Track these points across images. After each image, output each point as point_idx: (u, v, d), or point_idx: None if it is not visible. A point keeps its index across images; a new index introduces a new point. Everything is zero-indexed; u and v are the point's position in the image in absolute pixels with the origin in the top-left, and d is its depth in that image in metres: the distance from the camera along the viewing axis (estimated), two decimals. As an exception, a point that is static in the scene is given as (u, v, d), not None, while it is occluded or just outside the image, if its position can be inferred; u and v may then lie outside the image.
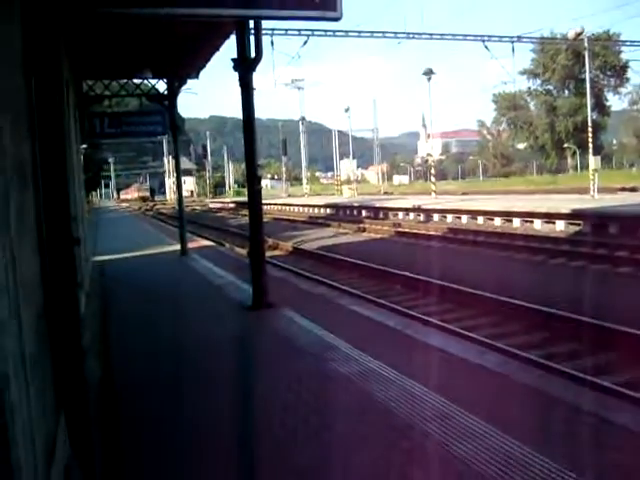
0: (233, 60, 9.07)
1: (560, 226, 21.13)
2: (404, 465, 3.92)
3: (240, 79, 9.05)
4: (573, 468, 3.69)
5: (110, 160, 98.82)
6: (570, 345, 8.11)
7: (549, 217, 21.87)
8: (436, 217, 28.81)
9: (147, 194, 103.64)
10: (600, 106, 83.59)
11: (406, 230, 24.73)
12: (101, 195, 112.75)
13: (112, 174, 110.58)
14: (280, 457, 4.19)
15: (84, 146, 23.67)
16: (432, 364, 5.98)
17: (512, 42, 35.06)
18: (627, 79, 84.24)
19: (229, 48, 10.71)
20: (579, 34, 33.99)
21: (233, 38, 9.43)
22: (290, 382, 5.66)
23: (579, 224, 20.49)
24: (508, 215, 24.08)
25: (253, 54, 8.94)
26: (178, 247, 17.13)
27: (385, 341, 6.94)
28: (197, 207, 67.58)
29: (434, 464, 3.93)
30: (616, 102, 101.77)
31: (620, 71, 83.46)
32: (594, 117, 46.09)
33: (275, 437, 4.52)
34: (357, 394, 5.23)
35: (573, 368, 6.92)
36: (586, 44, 35.42)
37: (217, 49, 13.37)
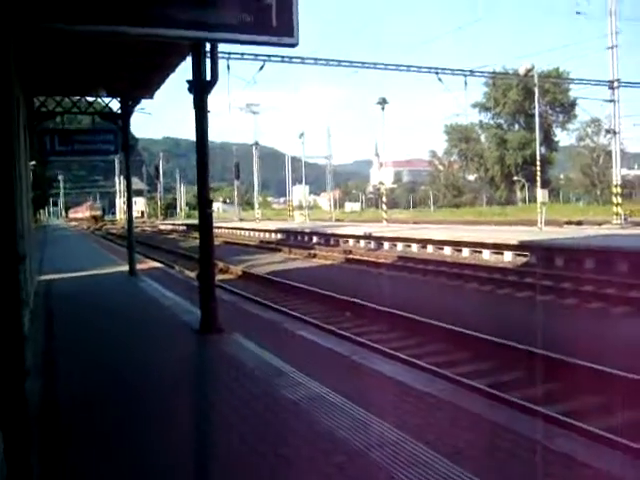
0: (188, 82, 9.05)
1: (508, 257, 21.49)
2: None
3: (195, 101, 9.01)
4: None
5: (60, 178, 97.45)
6: (516, 374, 8.22)
7: (497, 248, 22.22)
8: (387, 245, 29.02)
9: (99, 213, 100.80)
10: (548, 141, 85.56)
11: (357, 257, 24.86)
12: (49, 213, 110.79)
13: (61, 192, 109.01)
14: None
15: (33, 163, 23.29)
16: (380, 391, 5.99)
17: (465, 75, 35.76)
18: (575, 116, 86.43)
19: (185, 70, 10.71)
20: (529, 70, 34.88)
21: (189, 60, 9.42)
22: (237, 406, 5.61)
23: (526, 255, 20.85)
24: (458, 245, 24.39)
25: (209, 77, 8.93)
26: (126, 268, 16.90)
27: (333, 367, 6.92)
28: (147, 228, 66.96)
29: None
30: (564, 138, 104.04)
31: (568, 108, 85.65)
32: (542, 152, 47.16)
33: (222, 459, 4.46)
34: (304, 419, 5.19)
35: (518, 397, 6.99)
36: (536, 80, 36.31)
37: (173, 70, 13.34)
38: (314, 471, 4.19)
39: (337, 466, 4.26)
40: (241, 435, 4.92)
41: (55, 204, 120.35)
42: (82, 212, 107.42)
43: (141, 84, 14.82)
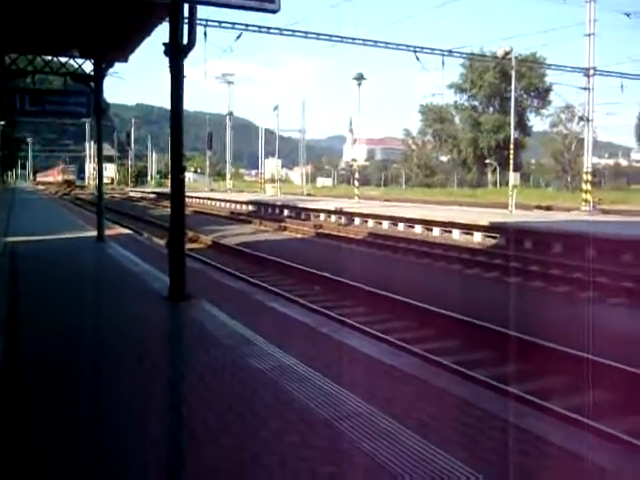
0: (165, 45, 8.88)
1: (478, 238, 21.63)
2: (314, 459, 3.88)
3: (171, 65, 8.84)
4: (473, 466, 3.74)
5: (28, 140, 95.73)
6: (480, 353, 8.30)
7: (468, 228, 22.35)
8: (358, 221, 29.05)
9: (72, 177, 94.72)
10: (522, 126, 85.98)
11: (327, 232, 24.86)
12: (17, 175, 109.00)
13: (30, 154, 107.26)
14: (194, 449, 4.10)
15: (1, 123, 22.84)
16: (347, 363, 5.99)
17: (443, 55, 35.67)
18: (549, 102, 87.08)
19: (161, 35, 10.53)
20: (507, 53, 34.85)
21: (166, 25, 9.25)
22: (204, 373, 5.57)
23: (496, 237, 21.00)
24: (428, 224, 24.49)
25: (186, 41, 8.77)
26: (94, 233, 16.71)
27: (301, 338, 6.91)
28: (117, 195, 66.28)
29: (344, 460, 3.91)
30: (537, 123, 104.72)
31: (544, 93, 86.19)
32: (516, 136, 47.37)
33: (188, 427, 4.44)
34: (271, 389, 5.17)
35: (482, 374, 7.06)
36: (513, 63, 36.36)
37: (149, 34, 13.13)
38: (279, 441, 4.18)
39: (301, 435, 4.25)
40: (207, 403, 4.88)
41: (23, 167, 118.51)
42: (53, 176, 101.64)
43: (116, 46, 14.56)
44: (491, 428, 4.40)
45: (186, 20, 8.88)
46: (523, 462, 3.90)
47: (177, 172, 9.08)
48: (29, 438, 4.29)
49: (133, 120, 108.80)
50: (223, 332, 7.05)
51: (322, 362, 5.88)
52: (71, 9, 11.27)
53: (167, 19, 9.26)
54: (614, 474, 3.83)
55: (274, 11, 6.53)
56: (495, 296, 12.39)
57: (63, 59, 16.41)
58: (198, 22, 11.09)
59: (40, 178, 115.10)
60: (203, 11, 27.56)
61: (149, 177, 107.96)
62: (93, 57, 15.80)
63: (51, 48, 15.49)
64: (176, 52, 8.75)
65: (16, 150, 69.12)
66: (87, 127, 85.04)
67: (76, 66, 16.47)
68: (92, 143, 74.92)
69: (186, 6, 8.70)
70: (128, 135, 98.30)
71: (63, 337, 6.98)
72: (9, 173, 77.55)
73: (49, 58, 16.61)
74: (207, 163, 79.65)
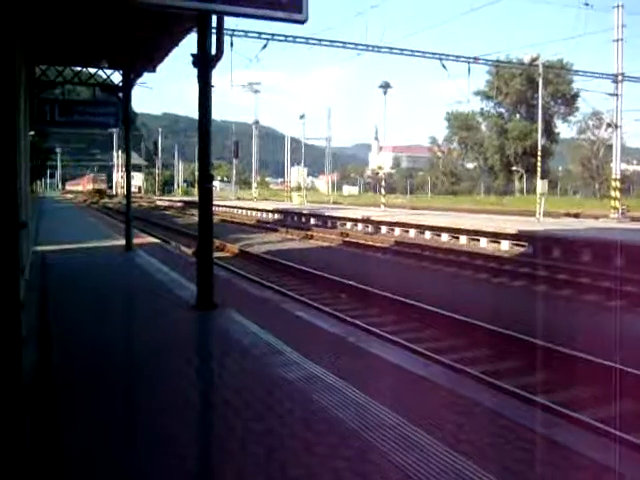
0: (193, 56, 8.95)
1: (505, 246, 21.48)
2: (344, 470, 3.87)
3: (199, 76, 8.92)
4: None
5: (57, 150, 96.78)
6: (511, 362, 8.24)
7: (495, 236, 22.21)
8: (384, 229, 29.00)
9: (104, 186, 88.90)
10: (549, 132, 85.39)
11: (354, 240, 24.83)
12: (46, 185, 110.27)
13: (59, 164, 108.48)
14: (224, 459, 4.11)
15: (31, 133, 23.10)
16: (375, 373, 5.97)
17: (468, 62, 35.56)
18: (577, 108, 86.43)
19: (188, 45, 10.60)
20: (535, 59, 34.69)
21: (193, 35, 9.32)
22: (233, 383, 5.59)
23: (524, 245, 20.85)
24: (455, 232, 24.38)
25: (214, 51, 8.84)
26: (123, 242, 16.85)
27: (329, 348, 6.89)
28: (144, 203, 66.71)
29: (374, 472, 3.90)
30: (564, 130, 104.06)
31: (570, 100, 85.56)
32: (543, 143, 47.00)
33: (217, 436, 4.45)
34: (300, 399, 5.17)
35: (513, 384, 7.01)
36: (540, 70, 36.14)
37: (176, 44, 13.22)
38: (308, 452, 4.17)
39: (331, 446, 4.24)
40: (236, 412, 4.89)
41: (52, 176, 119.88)
42: (82, 185, 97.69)
43: (144, 57, 14.70)
44: (519, 439, 4.37)
45: (214, 30, 8.95)
46: (549, 472, 3.87)
47: (205, 181, 9.13)
48: (64, 448, 4.33)
49: (160, 129, 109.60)
50: (251, 341, 7.06)
51: (349, 371, 5.87)
52: (100, 21, 11.40)
53: (195, 30, 9.34)
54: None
55: (302, 22, 6.55)
56: (523, 305, 12.29)
57: (92, 70, 16.62)
58: (224, 32, 11.18)
59: (69, 187, 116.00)
60: (229, 21, 27.71)
61: (176, 185, 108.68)
62: (122, 68, 15.97)
63: (80, 59, 15.69)
64: (204, 63, 8.82)
65: (45, 160, 69.90)
66: (115, 137, 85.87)
67: (104, 77, 16.67)
68: (120, 152, 75.61)
69: (214, 17, 8.78)
70: (155, 144, 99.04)
71: (93, 348, 7.02)
72: (38, 182, 78.40)
73: (78, 69, 16.83)
74: (233, 172, 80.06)
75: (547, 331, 8.93)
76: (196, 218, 9.46)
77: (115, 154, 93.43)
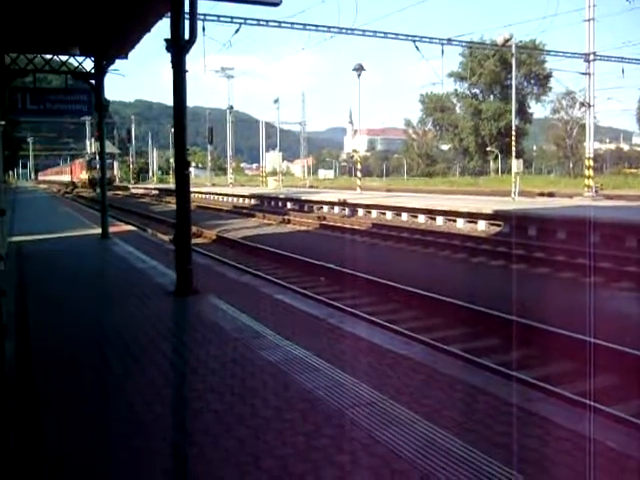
0: (166, 40, 8.90)
1: (482, 226, 21.62)
2: (330, 447, 3.92)
3: (173, 61, 8.88)
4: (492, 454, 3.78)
5: (29, 140, 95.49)
6: (489, 340, 8.34)
7: (471, 217, 22.34)
8: (361, 212, 29.05)
9: (95, 175, 61.31)
10: (523, 112, 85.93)
11: (331, 223, 24.88)
12: (18, 175, 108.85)
13: (30, 154, 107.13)
14: (209, 441, 4.13)
15: (2, 123, 22.79)
16: (357, 353, 6.02)
17: (442, 44, 35.52)
18: (550, 88, 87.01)
19: (160, 30, 10.53)
20: (507, 40, 34.75)
21: (165, 20, 9.25)
22: (215, 367, 5.61)
23: (500, 225, 21.00)
24: (431, 213, 24.48)
25: (187, 36, 8.79)
26: (99, 230, 16.75)
27: (310, 330, 6.93)
28: (119, 192, 66.14)
29: (358, 448, 3.94)
30: (538, 110, 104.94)
31: (543, 80, 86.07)
32: (517, 123, 47.25)
33: (201, 420, 4.46)
34: (282, 380, 5.20)
35: (491, 361, 7.11)
36: (514, 50, 36.25)
37: (148, 30, 13.11)
38: (293, 431, 4.21)
39: (315, 425, 4.28)
40: (220, 395, 4.91)
41: (24, 166, 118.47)
42: (72, 172, 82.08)
43: (117, 43, 14.56)
44: (501, 413, 4.44)
45: (187, 15, 8.90)
46: (532, 443, 3.95)
47: (182, 167, 9.10)
48: (43, 438, 4.33)
49: (133, 117, 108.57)
50: (232, 325, 7.08)
51: (331, 352, 5.92)
52: (72, 7, 11.27)
53: (167, 15, 9.27)
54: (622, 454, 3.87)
55: (276, 4, 6.54)
56: (500, 283, 12.41)
57: (63, 57, 16.40)
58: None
59: (44, 177, 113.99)
60: (201, 5, 27.46)
61: (150, 173, 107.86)
62: (93, 54, 15.79)
63: (51, 46, 15.47)
64: (178, 47, 8.77)
65: (17, 149, 68.98)
66: (87, 125, 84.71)
67: (76, 64, 16.46)
68: (92, 141, 74.52)
69: (187, 1, 8.72)
70: (129, 132, 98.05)
71: (72, 335, 7.01)
72: (10, 173, 77.28)
73: (49, 57, 16.59)
74: (208, 158, 79.56)
75: (525, 308, 9.04)
76: (172, 206, 9.43)
77: (88, 142, 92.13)
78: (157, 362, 5.89)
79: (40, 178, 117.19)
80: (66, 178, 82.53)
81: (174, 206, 9.54)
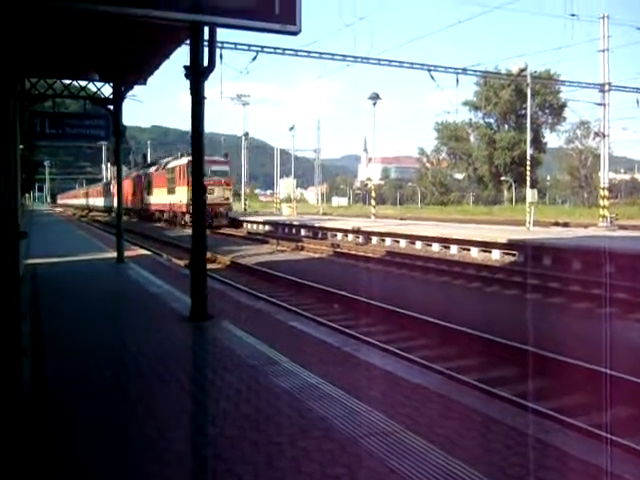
0: (185, 67, 9.00)
1: (496, 255, 21.55)
2: (344, 477, 3.90)
3: (191, 88, 8.96)
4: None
5: (46, 163, 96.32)
6: (504, 370, 8.28)
7: (485, 246, 22.27)
8: (375, 240, 29.02)
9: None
10: (537, 142, 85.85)
11: (345, 251, 24.85)
12: (34, 198, 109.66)
13: (47, 177, 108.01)
14: (223, 467, 4.12)
15: (21, 146, 23.04)
16: (371, 381, 5.99)
17: (457, 73, 35.67)
18: (564, 118, 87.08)
19: (178, 57, 10.64)
20: (522, 70, 34.88)
21: (184, 47, 9.35)
22: (230, 394, 5.59)
23: (514, 254, 20.92)
24: (446, 241, 24.42)
25: (206, 63, 8.88)
26: (114, 254, 16.82)
27: (324, 357, 6.91)
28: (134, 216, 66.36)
29: (372, 477, 3.92)
30: (552, 139, 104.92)
31: (558, 109, 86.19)
32: (531, 152, 47.23)
33: (216, 447, 4.45)
34: (297, 408, 5.19)
35: (506, 391, 7.05)
36: (529, 80, 36.33)
37: (167, 56, 13.28)
38: (307, 459, 4.19)
39: (330, 454, 4.26)
40: (235, 422, 4.90)
41: (40, 189, 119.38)
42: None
43: (135, 70, 14.74)
44: (517, 444, 4.40)
45: (206, 43, 8.99)
46: (547, 476, 3.90)
47: (199, 193, 9.16)
48: (58, 457, 4.33)
49: (149, 142, 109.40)
50: (246, 352, 7.07)
51: (346, 380, 5.90)
52: (91, 34, 11.42)
53: (187, 42, 9.38)
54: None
55: (295, 33, 6.57)
56: (515, 313, 12.33)
57: (82, 82, 16.61)
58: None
59: (63, 200, 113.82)
60: (219, 33, 27.80)
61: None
62: (113, 80, 15.98)
63: (71, 72, 15.68)
64: (197, 74, 8.86)
65: (34, 173, 69.59)
66: (104, 149, 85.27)
67: (95, 89, 16.66)
68: (109, 165, 75.00)
69: (206, 29, 8.82)
70: (144, 157, 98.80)
71: (86, 359, 7.02)
72: (27, 196, 77.84)
73: (68, 82, 16.80)
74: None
75: (540, 339, 8.97)
76: (187, 231, 9.48)
77: (104, 167, 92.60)
78: (171, 387, 5.89)
79: (61, 202, 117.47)
80: (82, 202, 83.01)
81: (189, 231, 9.58)
